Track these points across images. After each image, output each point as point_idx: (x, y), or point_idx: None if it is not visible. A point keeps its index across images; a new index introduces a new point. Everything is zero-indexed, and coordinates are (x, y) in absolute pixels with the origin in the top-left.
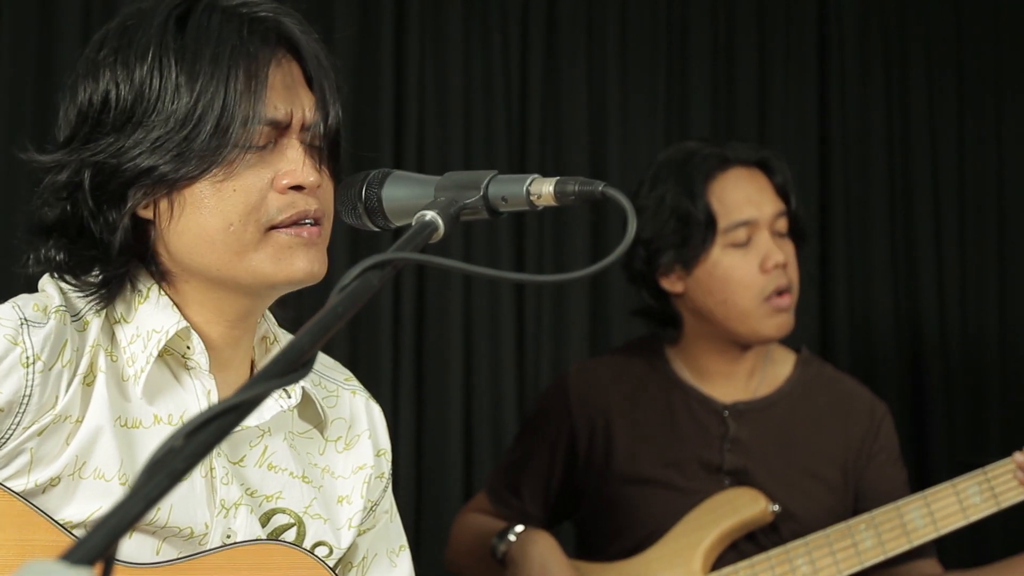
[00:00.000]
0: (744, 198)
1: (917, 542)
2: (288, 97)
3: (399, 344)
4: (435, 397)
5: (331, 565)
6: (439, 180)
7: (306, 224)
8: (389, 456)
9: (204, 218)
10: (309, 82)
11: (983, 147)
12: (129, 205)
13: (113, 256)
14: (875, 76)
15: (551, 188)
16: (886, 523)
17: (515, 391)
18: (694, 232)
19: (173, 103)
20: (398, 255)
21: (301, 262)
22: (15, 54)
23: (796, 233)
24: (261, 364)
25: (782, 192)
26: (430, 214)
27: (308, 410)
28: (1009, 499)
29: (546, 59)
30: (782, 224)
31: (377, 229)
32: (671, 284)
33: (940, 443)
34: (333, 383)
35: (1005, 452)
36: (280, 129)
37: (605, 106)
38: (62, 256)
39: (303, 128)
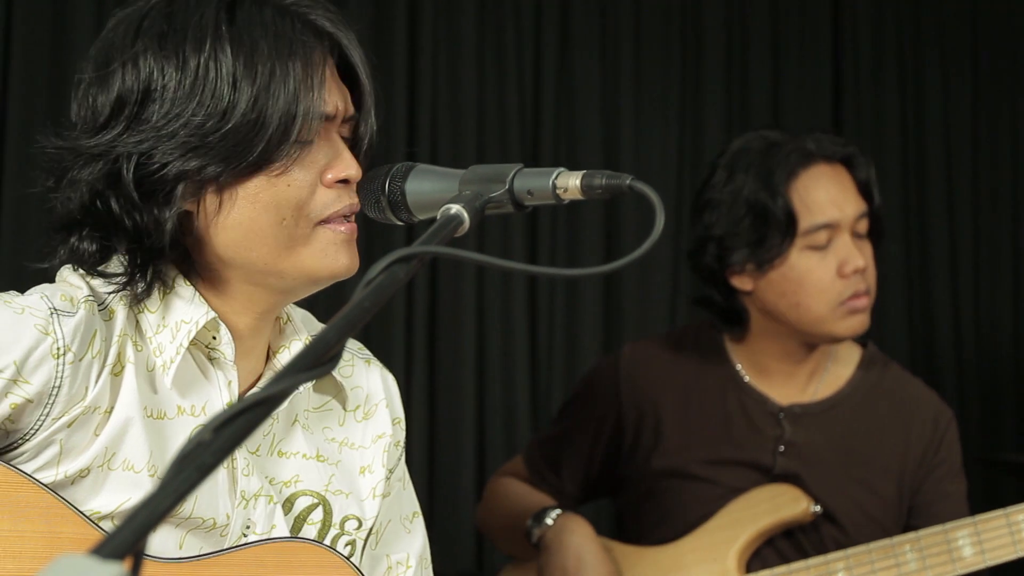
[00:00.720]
0: (827, 198)
1: (963, 571)
2: (335, 91)
3: (412, 337)
4: (448, 390)
5: (363, 537)
6: (463, 174)
7: (349, 219)
8: (403, 424)
9: (257, 213)
10: (343, 76)
11: (997, 146)
12: (178, 200)
13: (159, 250)
14: (889, 77)
15: (578, 182)
16: (932, 547)
17: (528, 384)
18: (772, 232)
19: (231, 97)
20: (425, 249)
21: (345, 258)
22: (27, 46)
23: (876, 232)
24: (276, 345)
25: (865, 191)
26: (455, 207)
27: (324, 383)
28: None
29: (559, 57)
30: (863, 225)
31: (400, 223)
32: (741, 282)
33: None
34: (348, 352)
35: (1021, 449)
36: (327, 123)
37: (618, 103)
38: (94, 247)
39: (344, 122)
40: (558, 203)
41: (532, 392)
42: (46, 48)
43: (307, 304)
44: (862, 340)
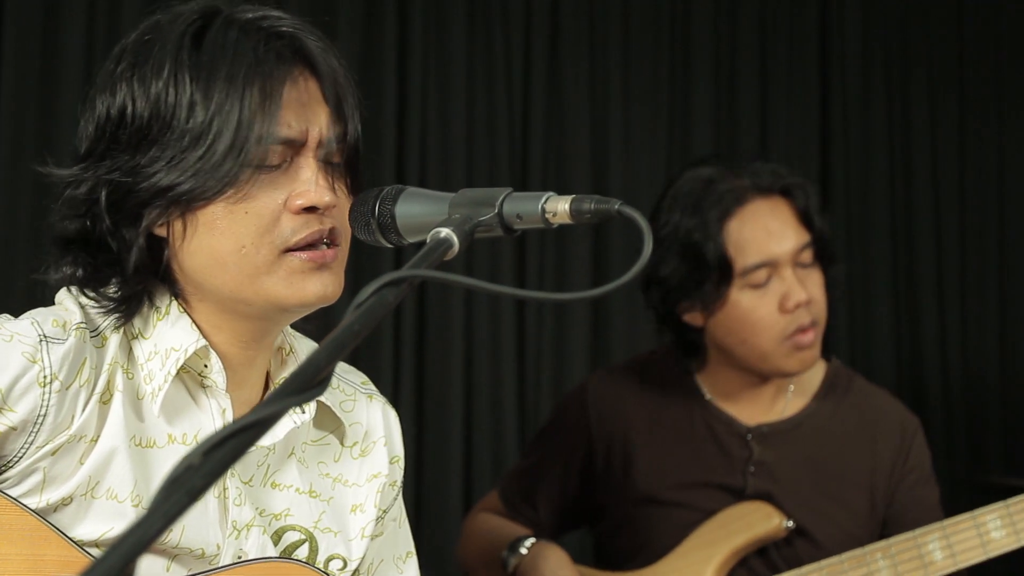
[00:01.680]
0: (764, 235)
1: (935, 575)
2: (303, 115)
3: (400, 357)
4: (436, 410)
5: None
6: (453, 197)
7: (322, 247)
8: (402, 464)
9: (216, 239)
10: (328, 98)
11: (984, 168)
12: (144, 224)
13: (129, 273)
14: (876, 95)
15: (567, 206)
16: (903, 553)
17: (516, 405)
18: (709, 276)
19: (188, 121)
20: (414, 272)
21: (314, 286)
22: (18, 65)
23: (824, 258)
24: (277, 376)
25: (806, 220)
26: (445, 231)
27: (324, 417)
28: None
29: (549, 76)
30: (806, 255)
31: (390, 245)
32: (692, 318)
33: (941, 463)
34: (351, 387)
35: (1006, 472)
36: (295, 148)
37: (607, 124)
38: (81, 271)
39: (319, 145)
40: (547, 227)
41: (520, 413)
42: (35, 73)
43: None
44: (826, 355)
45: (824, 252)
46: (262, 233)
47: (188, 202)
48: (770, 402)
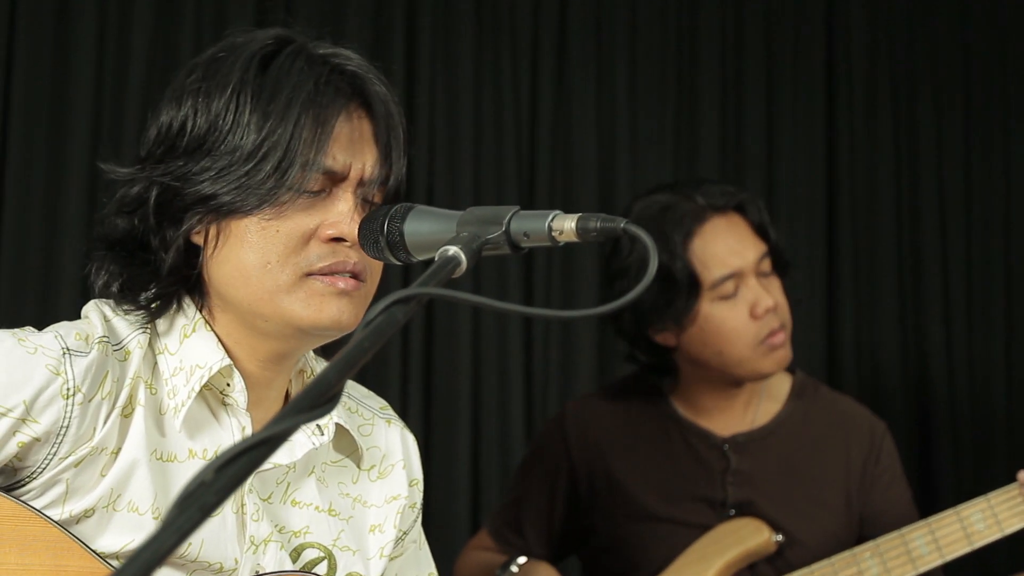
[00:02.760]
0: (726, 250)
1: (923, 568)
2: (351, 150)
3: (408, 372)
4: (443, 425)
5: None
6: (461, 215)
7: (344, 275)
8: (421, 486)
9: (245, 252)
10: (378, 140)
11: (990, 181)
12: (184, 227)
13: (163, 274)
14: (883, 110)
15: (573, 224)
16: (891, 551)
17: (523, 422)
18: (679, 293)
19: (242, 138)
20: (423, 290)
21: (330, 310)
22: (29, 75)
23: (780, 266)
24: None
25: (761, 232)
26: (453, 249)
27: (342, 440)
28: (1012, 525)
29: (555, 91)
30: (766, 264)
31: (398, 263)
32: (664, 339)
33: (947, 475)
34: (369, 411)
35: (1012, 482)
36: (337, 179)
37: (614, 139)
38: (118, 268)
39: (361, 183)
40: (554, 245)
41: (527, 429)
42: (46, 85)
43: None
44: (790, 368)
45: (779, 260)
46: (289, 253)
47: (227, 212)
48: (742, 412)
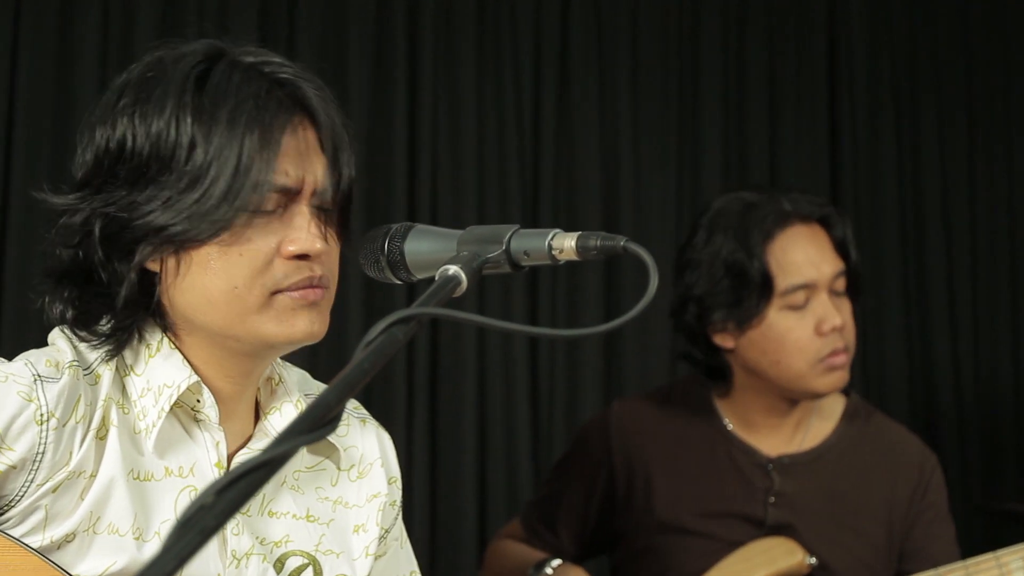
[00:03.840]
0: (804, 259)
1: None
2: (300, 163)
3: (413, 389)
4: (449, 442)
5: None
6: (461, 234)
7: (315, 285)
8: (400, 483)
9: (209, 279)
10: (325, 148)
11: (994, 191)
12: (136, 260)
13: (119, 307)
14: (886, 118)
15: (573, 243)
16: None
17: (529, 438)
18: (750, 293)
19: (186, 162)
20: (423, 310)
21: (302, 323)
22: (33, 90)
23: (853, 289)
24: (267, 406)
25: (841, 249)
26: (453, 268)
27: (318, 444)
28: None
29: (558, 110)
30: (840, 283)
31: (399, 282)
32: (723, 340)
33: (955, 489)
34: (343, 412)
35: (1021, 499)
36: (290, 195)
37: (617, 156)
38: (71, 305)
39: (314, 193)
40: (554, 263)
41: (533, 446)
42: (50, 100)
43: (307, 364)
44: (845, 390)
45: (854, 283)
46: (255, 275)
47: (182, 242)
48: (791, 433)
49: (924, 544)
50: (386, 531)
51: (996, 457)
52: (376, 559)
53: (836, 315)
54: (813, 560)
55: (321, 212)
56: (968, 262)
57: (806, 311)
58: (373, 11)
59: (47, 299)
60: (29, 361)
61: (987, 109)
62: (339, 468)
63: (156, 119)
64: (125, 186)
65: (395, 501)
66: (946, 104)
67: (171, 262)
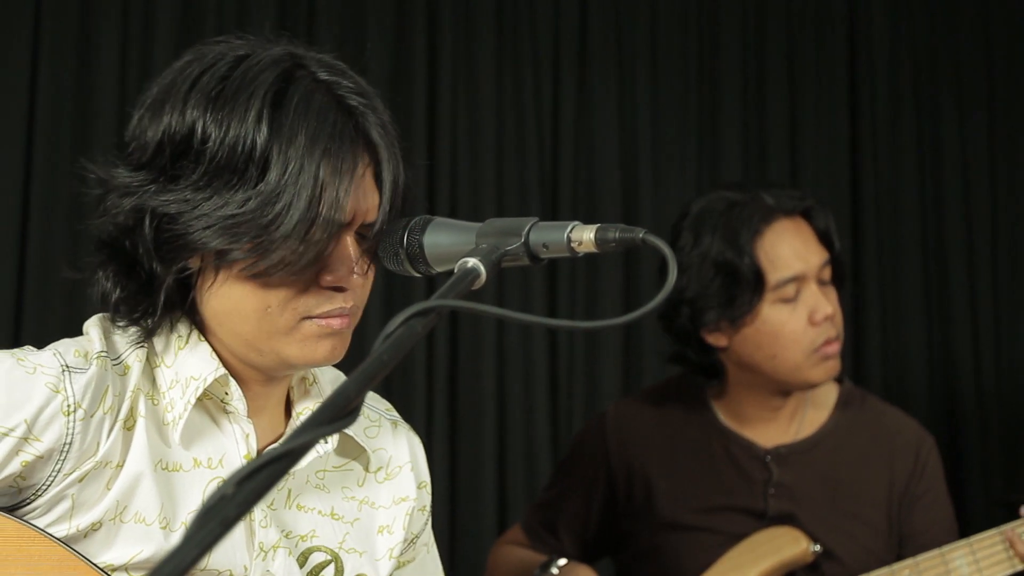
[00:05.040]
0: (791, 252)
1: None
2: (356, 197)
3: (433, 384)
4: (469, 437)
5: None
6: (480, 227)
7: (343, 314)
8: (429, 488)
9: (244, 295)
10: (381, 185)
11: (1015, 185)
12: (179, 266)
13: (157, 304)
14: (906, 117)
15: (592, 235)
16: (930, 569)
17: (549, 431)
18: (742, 290)
19: (258, 182)
20: (442, 302)
21: (324, 349)
22: (54, 86)
23: (838, 277)
24: (299, 405)
25: (825, 240)
26: (472, 261)
27: (346, 445)
28: None
29: (577, 104)
30: (827, 273)
31: (418, 275)
32: (716, 339)
33: (975, 482)
34: (375, 413)
35: None
36: (342, 228)
37: (636, 149)
38: (112, 288)
39: (361, 225)
40: (573, 256)
41: (553, 440)
42: (70, 98)
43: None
44: (838, 377)
45: (840, 272)
46: (289, 299)
47: (232, 261)
48: (786, 424)
49: (925, 526)
50: (415, 536)
51: (1017, 451)
52: (405, 565)
53: (827, 304)
54: (818, 547)
55: (363, 240)
56: (988, 257)
57: (797, 303)
58: (393, 4)
59: (94, 273)
60: (58, 351)
61: (1007, 105)
62: (366, 470)
63: (234, 124)
64: (188, 188)
65: (425, 507)
66: (967, 98)
67: (210, 268)
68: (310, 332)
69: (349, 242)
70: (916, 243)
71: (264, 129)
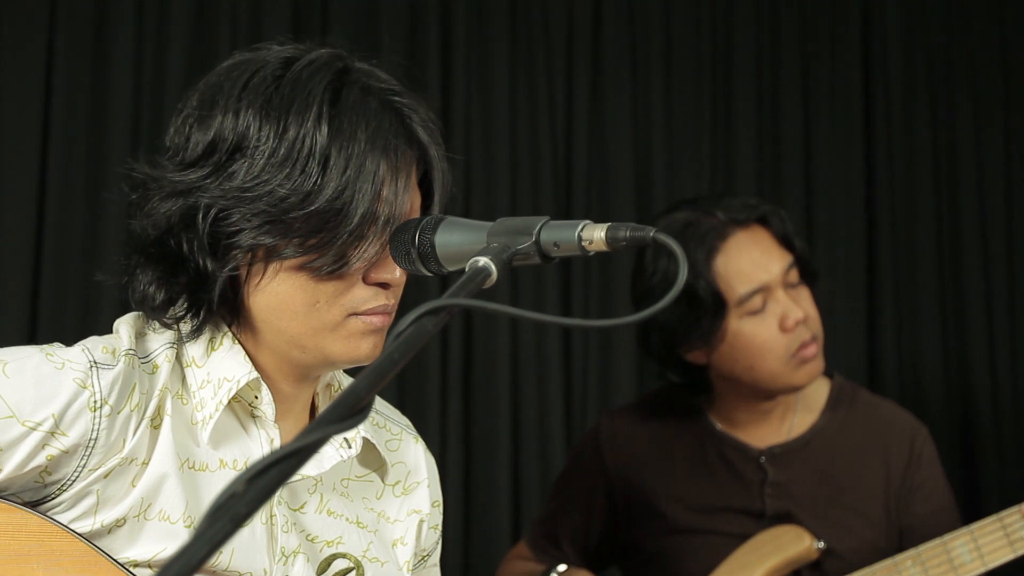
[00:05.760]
0: (751, 265)
1: None
2: (403, 195)
3: (447, 384)
4: (483, 438)
5: None
6: (491, 226)
7: (387, 311)
8: (441, 508)
9: (294, 290)
10: (423, 185)
11: None
12: (230, 265)
13: (212, 302)
14: (921, 118)
15: (602, 234)
16: (933, 559)
17: (563, 431)
18: (704, 312)
19: (319, 178)
20: (453, 301)
21: (367, 347)
22: (68, 90)
23: (808, 275)
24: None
25: (786, 243)
26: (483, 260)
27: (368, 455)
28: None
29: (591, 105)
30: (793, 275)
31: (430, 274)
32: (695, 358)
33: (990, 484)
34: (397, 426)
35: None
36: None
37: (650, 149)
38: (156, 290)
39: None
40: (584, 255)
41: (567, 440)
42: (85, 102)
43: None
44: (828, 372)
45: (807, 270)
46: (338, 295)
47: (285, 257)
48: (779, 423)
49: (925, 517)
50: (426, 554)
51: None
52: None
53: (797, 309)
54: (821, 544)
55: None
56: (1005, 264)
57: (766, 313)
58: (406, 3)
59: (132, 278)
60: (87, 347)
61: (1022, 102)
62: (384, 483)
63: (292, 125)
64: (245, 185)
65: (437, 525)
66: (982, 101)
67: (259, 264)
68: (355, 329)
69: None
70: (932, 251)
71: (324, 127)
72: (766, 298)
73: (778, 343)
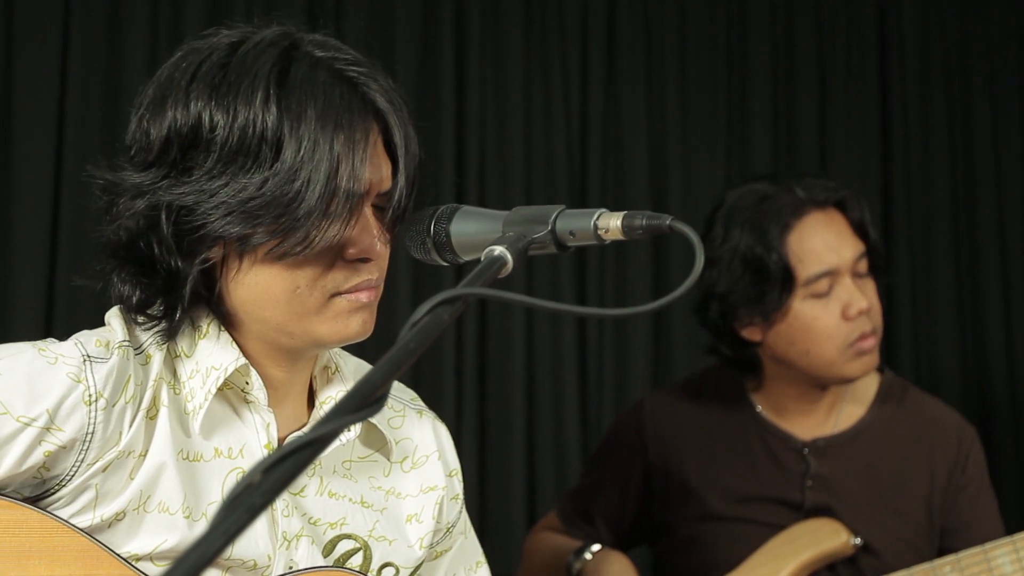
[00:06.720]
0: (824, 246)
1: None
2: (371, 168)
3: (462, 374)
4: (498, 428)
5: None
6: (507, 215)
7: (371, 285)
8: (460, 475)
9: (272, 279)
10: (392, 152)
11: None
12: (200, 258)
13: (184, 299)
14: (937, 108)
15: (619, 222)
16: (973, 566)
17: (578, 420)
18: (771, 287)
19: (273, 162)
20: (468, 290)
21: (355, 324)
22: (84, 80)
23: (876, 268)
24: (322, 394)
25: (860, 231)
26: (499, 249)
27: (371, 435)
28: None
29: (606, 94)
30: (862, 265)
31: (445, 264)
32: (750, 333)
33: (1010, 480)
34: (400, 403)
35: None
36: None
37: (666, 139)
38: (131, 290)
39: (377, 195)
40: (600, 243)
41: (582, 429)
42: (101, 77)
43: (356, 348)
44: (879, 367)
45: (877, 262)
46: (317, 278)
47: (257, 245)
48: (825, 416)
49: (967, 520)
50: (451, 525)
51: None
52: (443, 554)
53: (862, 298)
54: (858, 541)
55: (380, 211)
56: (1022, 257)
57: (831, 297)
58: None
59: (110, 280)
60: (80, 341)
61: None
62: (390, 460)
63: (242, 109)
64: (202, 178)
65: (457, 495)
66: (999, 88)
67: (233, 256)
68: (341, 308)
69: (368, 212)
70: (948, 238)
71: (273, 110)
72: (833, 282)
73: (838, 330)
